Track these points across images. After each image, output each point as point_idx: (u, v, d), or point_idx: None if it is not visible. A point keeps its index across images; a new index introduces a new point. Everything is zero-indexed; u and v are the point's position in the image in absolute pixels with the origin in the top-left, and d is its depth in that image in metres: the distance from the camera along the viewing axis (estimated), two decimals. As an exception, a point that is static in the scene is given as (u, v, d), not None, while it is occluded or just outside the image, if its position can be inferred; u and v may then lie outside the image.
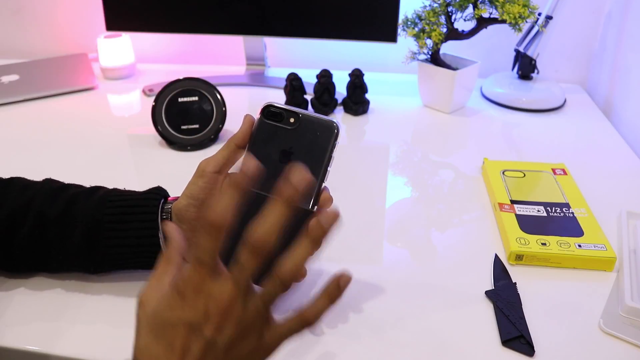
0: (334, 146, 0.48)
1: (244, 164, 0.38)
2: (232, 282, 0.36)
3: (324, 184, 0.49)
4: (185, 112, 0.86)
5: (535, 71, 1.05)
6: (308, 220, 0.49)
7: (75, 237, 0.53)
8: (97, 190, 0.57)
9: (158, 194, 0.55)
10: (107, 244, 0.53)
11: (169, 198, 0.56)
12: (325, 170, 0.48)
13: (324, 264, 0.60)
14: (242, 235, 0.49)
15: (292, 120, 0.49)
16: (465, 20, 0.95)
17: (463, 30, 0.95)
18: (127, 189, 0.58)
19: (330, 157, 0.48)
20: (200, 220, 0.36)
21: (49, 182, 0.58)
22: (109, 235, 0.53)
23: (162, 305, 0.37)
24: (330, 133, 0.48)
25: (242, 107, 1.04)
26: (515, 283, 0.57)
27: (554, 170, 0.77)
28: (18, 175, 0.59)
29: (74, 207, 0.54)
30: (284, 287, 0.38)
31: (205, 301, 0.36)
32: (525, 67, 1.05)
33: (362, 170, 0.83)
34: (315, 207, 0.48)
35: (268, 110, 0.50)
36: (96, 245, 0.53)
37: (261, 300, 0.37)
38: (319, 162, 0.48)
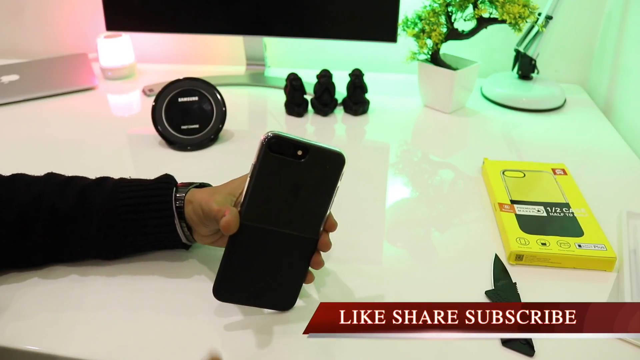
0: (341, 176, 0.48)
1: None
2: None
3: (329, 212, 0.49)
4: (185, 112, 0.86)
5: (535, 71, 1.05)
6: (314, 247, 0.50)
7: (91, 230, 0.55)
8: (103, 181, 0.58)
9: (169, 182, 0.57)
10: (125, 233, 0.55)
11: (178, 184, 0.57)
12: (332, 200, 0.49)
13: (325, 263, 0.60)
14: (253, 270, 0.49)
15: (299, 153, 0.46)
16: (465, 20, 0.95)
17: (463, 30, 0.95)
18: (131, 177, 0.59)
19: (337, 187, 0.48)
20: None
21: (52, 176, 0.59)
22: (126, 226, 0.55)
23: None
24: (339, 165, 0.47)
25: (242, 107, 1.04)
26: (515, 283, 0.57)
27: (554, 170, 0.77)
28: (18, 175, 0.60)
29: (86, 201, 0.55)
30: None
31: None
32: (525, 67, 1.05)
33: (362, 170, 0.83)
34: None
35: (275, 142, 0.46)
36: (114, 236, 0.55)
37: None
38: (328, 194, 0.48)
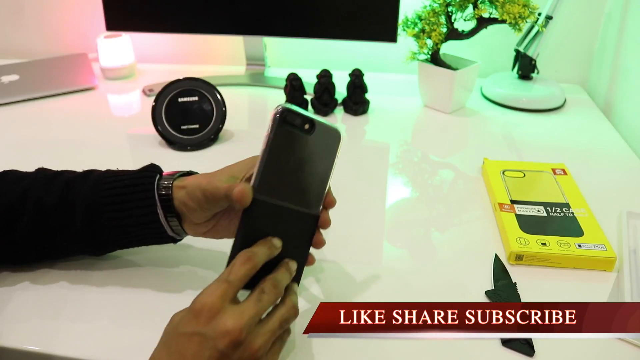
0: (338, 153, 0.49)
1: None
2: (255, 306, 0.41)
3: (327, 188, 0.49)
4: (185, 112, 0.86)
5: (535, 71, 1.05)
6: (315, 224, 0.50)
7: (76, 223, 0.54)
8: (90, 173, 0.57)
9: (152, 171, 0.55)
10: (108, 225, 0.54)
11: (164, 173, 0.56)
12: (331, 176, 0.49)
13: (324, 264, 0.60)
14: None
15: (307, 126, 0.47)
16: (465, 20, 0.95)
17: (463, 30, 0.95)
18: (119, 168, 0.58)
19: (335, 164, 0.49)
20: (243, 252, 0.44)
21: (42, 171, 0.59)
22: (109, 217, 0.54)
23: (181, 320, 0.41)
24: (337, 140, 0.49)
25: (242, 107, 1.04)
26: (515, 283, 0.57)
27: (554, 170, 0.77)
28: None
29: (70, 193, 0.54)
30: (296, 311, 0.44)
31: (224, 319, 0.39)
32: (525, 67, 1.05)
33: (362, 170, 0.83)
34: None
35: (287, 115, 0.46)
36: (98, 229, 0.54)
37: (278, 322, 0.43)
38: (328, 170, 0.49)
